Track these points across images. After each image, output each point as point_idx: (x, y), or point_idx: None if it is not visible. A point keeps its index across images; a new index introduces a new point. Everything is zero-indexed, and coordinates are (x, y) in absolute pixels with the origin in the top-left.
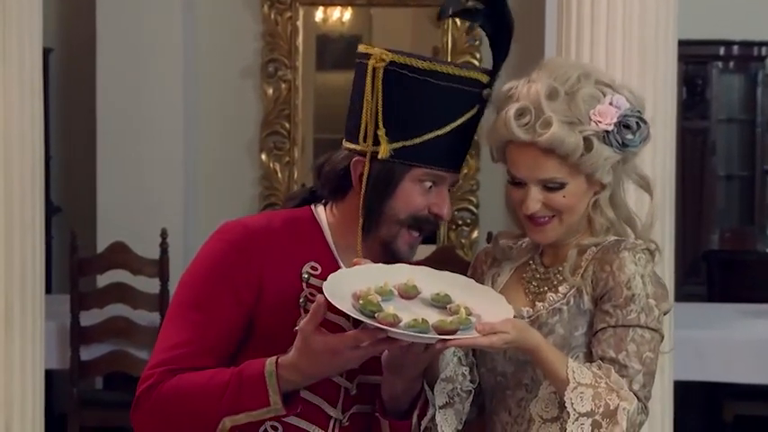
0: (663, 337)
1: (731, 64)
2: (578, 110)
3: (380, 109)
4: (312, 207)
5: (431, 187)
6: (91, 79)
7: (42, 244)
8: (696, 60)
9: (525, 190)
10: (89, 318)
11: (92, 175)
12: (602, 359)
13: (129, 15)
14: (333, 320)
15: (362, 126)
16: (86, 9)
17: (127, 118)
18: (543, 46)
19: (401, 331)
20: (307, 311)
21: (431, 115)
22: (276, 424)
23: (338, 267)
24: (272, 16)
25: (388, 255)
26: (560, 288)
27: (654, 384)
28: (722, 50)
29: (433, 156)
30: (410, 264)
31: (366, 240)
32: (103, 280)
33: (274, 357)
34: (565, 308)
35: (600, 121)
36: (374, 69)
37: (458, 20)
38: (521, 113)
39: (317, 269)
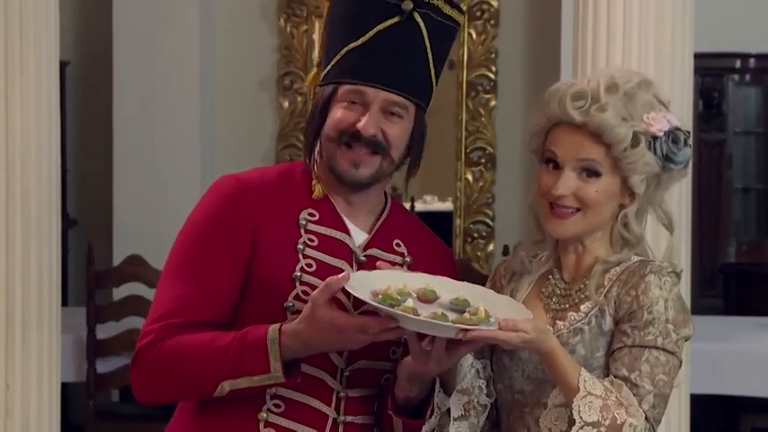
0: (681, 362)
1: (747, 76)
2: (634, 109)
3: (323, 42)
4: (306, 159)
5: (359, 105)
6: (107, 92)
7: (59, 256)
8: (712, 73)
9: (559, 174)
10: (105, 330)
11: (108, 188)
12: (614, 377)
13: (146, 28)
14: (337, 296)
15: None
16: (103, 22)
17: (143, 131)
18: (559, 61)
19: (421, 318)
20: (306, 257)
21: (344, 30)
22: (279, 402)
23: (335, 212)
24: (288, 29)
25: (336, 178)
26: (582, 307)
27: (669, 401)
28: (738, 63)
29: (350, 70)
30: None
31: (322, 172)
32: (120, 293)
33: (278, 324)
34: (586, 328)
35: (651, 125)
36: (329, 10)
37: (474, 33)
38: (578, 96)
39: (314, 215)
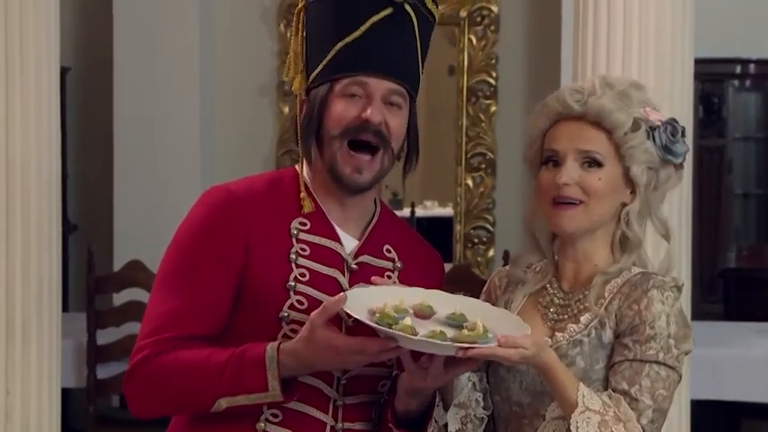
0: (680, 377)
1: (747, 82)
2: (630, 102)
3: (302, 47)
4: (296, 166)
5: (360, 98)
6: (108, 98)
7: (59, 262)
8: (712, 78)
9: (560, 169)
10: (105, 336)
11: (108, 194)
12: (614, 390)
13: (147, 34)
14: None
15: (289, 70)
16: (103, 28)
17: (143, 136)
18: (559, 67)
19: (420, 339)
20: (299, 266)
21: (337, 27)
22: (277, 411)
23: (326, 221)
24: (289, 35)
25: (336, 182)
26: (582, 318)
27: (669, 411)
28: (738, 68)
29: (348, 64)
30: (425, 288)
31: (319, 176)
32: (120, 298)
33: (276, 342)
34: (586, 340)
35: (650, 115)
36: (298, 14)
37: (474, 39)
38: (575, 91)
39: (305, 224)
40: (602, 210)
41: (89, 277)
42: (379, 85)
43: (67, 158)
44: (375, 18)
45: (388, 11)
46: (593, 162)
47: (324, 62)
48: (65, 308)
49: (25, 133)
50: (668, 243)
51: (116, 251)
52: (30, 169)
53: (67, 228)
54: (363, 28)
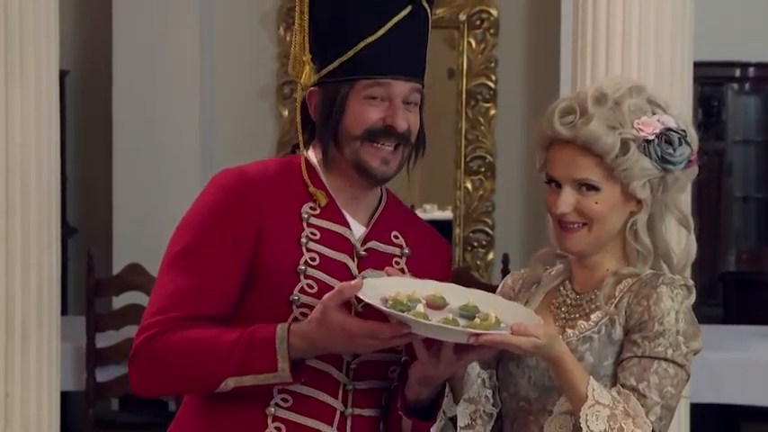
0: (689, 376)
1: (747, 85)
2: (622, 116)
3: (307, 35)
4: (300, 155)
5: (381, 99)
6: (107, 100)
7: (59, 265)
8: (712, 82)
9: (560, 192)
10: (105, 339)
11: (108, 197)
12: (622, 386)
13: (146, 37)
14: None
15: (293, 57)
16: (103, 30)
17: (143, 139)
18: (558, 70)
19: (433, 323)
20: (309, 250)
21: (359, 23)
22: (287, 396)
23: (336, 206)
24: (288, 38)
25: (363, 175)
26: (592, 316)
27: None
28: (738, 72)
29: (372, 64)
30: (437, 281)
31: (338, 168)
32: (119, 301)
33: (286, 323)
34: (596, 336)
35: (642, 130)
36: None
37: (473, 42)
38: (566, 112)
39: (315, 209)
40: (606, 228)
41: (88, 280)
42: (402, 88)
43: (67, 161)
44: (396, 18)
45: (408, 9)
46: (589, 186)
47: (342, 58)
48: (64, 311)
49: (25, 136)
50: (689, 232)
51: (115, 254)
52: (29, 172)
53: (67, 231)
54: (386, 28)
